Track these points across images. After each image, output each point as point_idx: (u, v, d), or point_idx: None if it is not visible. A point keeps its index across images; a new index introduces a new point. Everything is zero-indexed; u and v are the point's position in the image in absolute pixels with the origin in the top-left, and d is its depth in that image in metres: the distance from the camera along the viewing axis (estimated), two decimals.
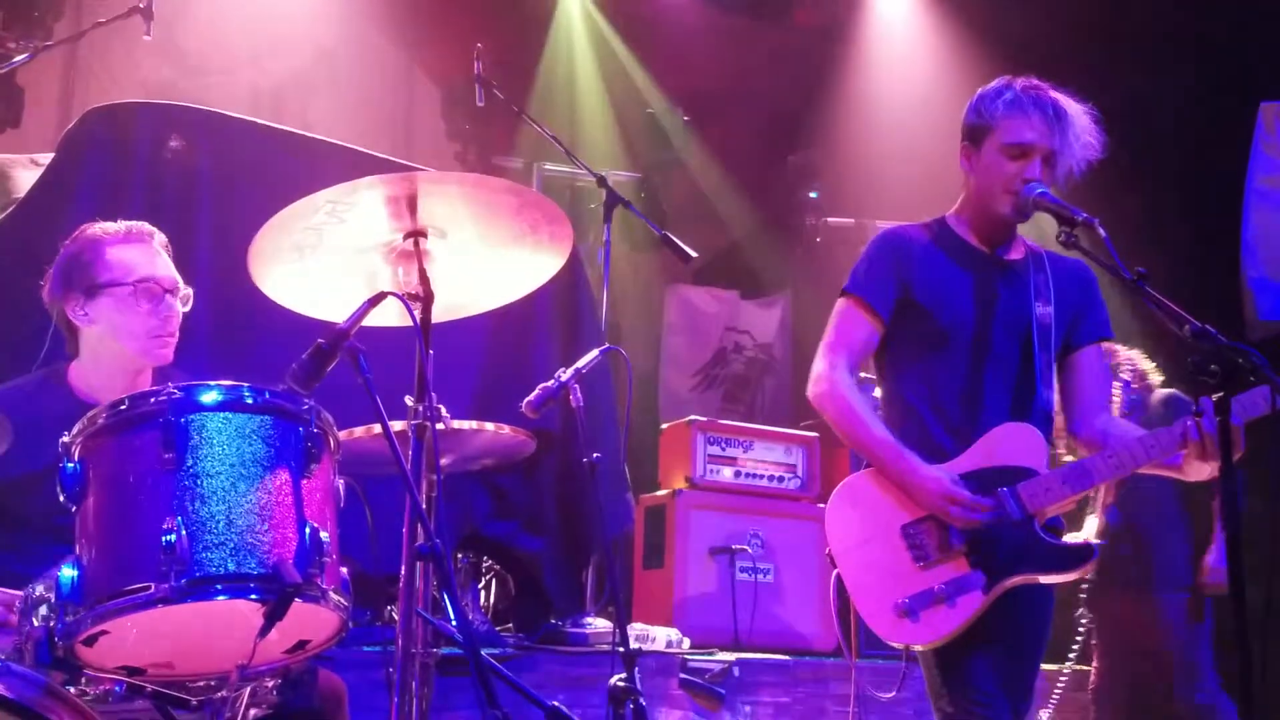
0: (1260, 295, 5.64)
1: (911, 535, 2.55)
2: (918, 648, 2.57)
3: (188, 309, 2.68)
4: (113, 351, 2.61)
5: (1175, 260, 4.45)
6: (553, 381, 2.90)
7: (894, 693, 3.63)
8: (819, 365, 2.70)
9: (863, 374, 2.79)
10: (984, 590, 2.48)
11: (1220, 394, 2.15)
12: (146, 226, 2.68)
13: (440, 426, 2.33)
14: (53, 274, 2.64)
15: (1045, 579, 2.56)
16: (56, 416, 2.33)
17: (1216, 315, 2.26)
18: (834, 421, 2.68)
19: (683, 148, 7.55)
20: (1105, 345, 2.84)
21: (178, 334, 2.66)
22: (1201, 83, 5.92)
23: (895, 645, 2.57)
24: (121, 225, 2.66)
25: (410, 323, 2.25)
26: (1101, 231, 2.37)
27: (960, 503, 2.50)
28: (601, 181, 4.68)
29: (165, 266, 2.65)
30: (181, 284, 2.67)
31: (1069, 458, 2.84)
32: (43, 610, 1.94)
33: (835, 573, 2.62)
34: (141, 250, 2.63)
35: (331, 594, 1.99)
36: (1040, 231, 2.75)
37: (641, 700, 2.67)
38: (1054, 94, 2.61)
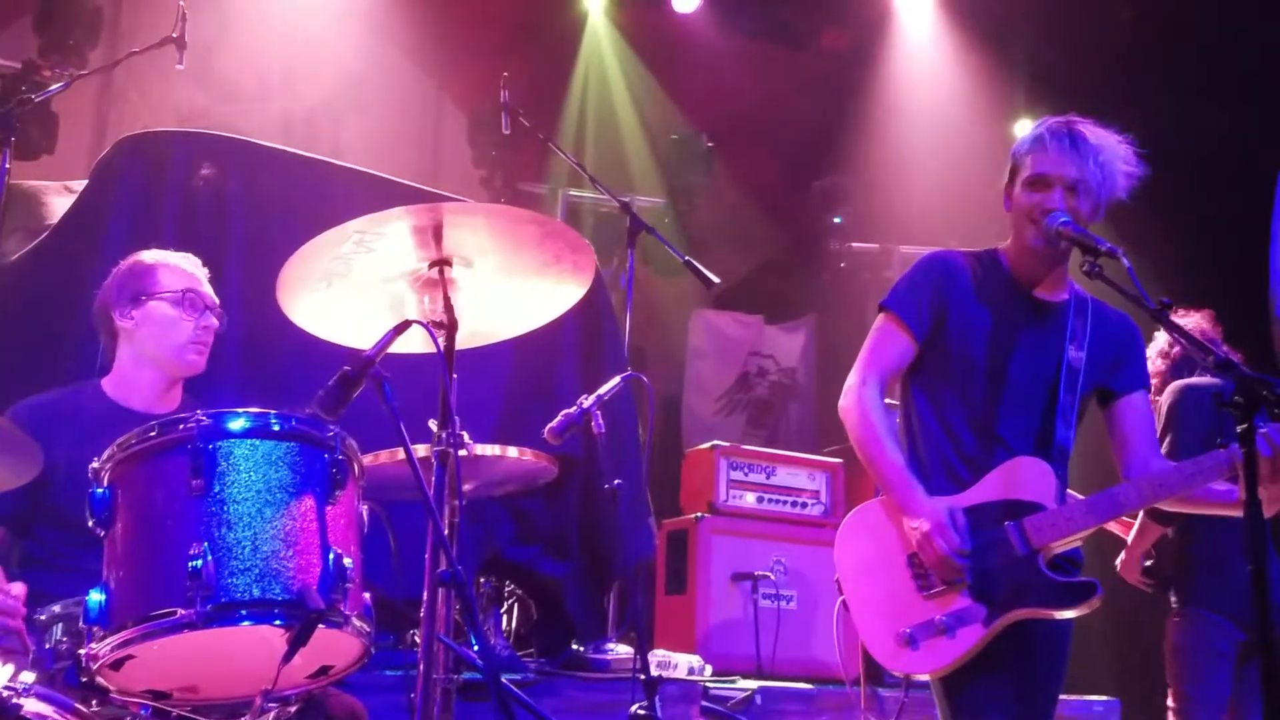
0: None
1: (917, 564, 2.55)
2: (919, 677, 2.56)
3: (221, 329, 2.86)
4: (151, 357, 2.76)
5: (1206, 290, 4.41)
6: (575, 408, 2.91)
7: None
8: (851, 379, 2.73)
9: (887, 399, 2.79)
10: (984, 624, 2.47)
11: (1245, 425, 2.14)
12: (195, 258, 2.92)
13: (463, 453, 2.35)
14: (106, 285, 2.84)
15: (1050, 614, 2.52)
16: (95, 416, 2.64)
17: (1248, 346, 2.25)
18: (853, 435, 2.71)
19: (707, 173, 7.57)
20: None
21: (209, 348, 2.82)
22: (1230, 107, 5.89)
23: (895, 674, 2.57)
24: (173, 253, 2.91)
25: (434, 349, 2.28)
26: (1125, 262, 2.37)
27: (947, 541, 2.47)
28: (625, 208, 4.70)
29: (208, 286, 2.87)
30: (218, 307, 2.87)
31: None
32: (57, 630, 1.97)
33: (840, 599, 2.63)
34: (189, 267, 2.86)
35: (354, 620, 2.01)
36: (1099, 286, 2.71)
37: None
38: (1080, 126, 2.62)
